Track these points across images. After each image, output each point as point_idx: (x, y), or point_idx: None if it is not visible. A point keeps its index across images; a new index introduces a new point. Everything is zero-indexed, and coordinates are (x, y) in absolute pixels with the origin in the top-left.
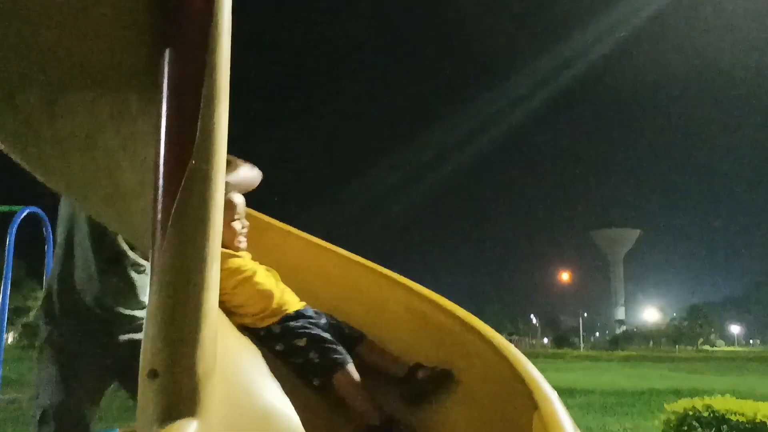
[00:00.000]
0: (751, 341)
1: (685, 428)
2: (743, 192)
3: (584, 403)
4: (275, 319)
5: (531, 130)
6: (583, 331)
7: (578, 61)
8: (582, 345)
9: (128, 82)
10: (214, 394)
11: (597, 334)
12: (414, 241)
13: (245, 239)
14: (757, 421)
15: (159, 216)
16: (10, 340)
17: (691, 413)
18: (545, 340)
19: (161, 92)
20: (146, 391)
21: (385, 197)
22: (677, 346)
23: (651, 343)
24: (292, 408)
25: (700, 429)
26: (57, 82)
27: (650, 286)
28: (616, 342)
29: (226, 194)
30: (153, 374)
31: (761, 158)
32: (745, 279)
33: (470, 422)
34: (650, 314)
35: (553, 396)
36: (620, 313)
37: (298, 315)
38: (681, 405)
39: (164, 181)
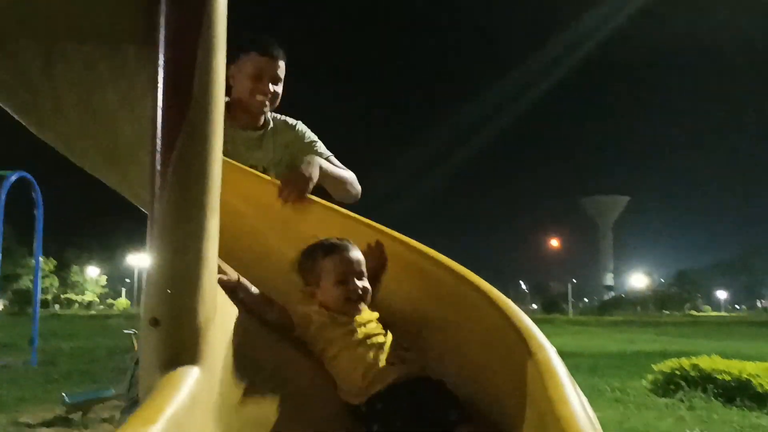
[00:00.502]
0: (737, 306)
1: (672, 387)
2: (732, 159)
3: (573, 365)
4: (362, 399)
5: (522, 100)
6: (572, 297)
7: (572, 34)
8: (571, 311)
9: (125, 35)
10: (215, 342)
11: (586, 300)
12: (402, 208)
13: (362, 301)
14: (743, 379)
15: (158, 168)
16: (0, 307)
17: (678, 373)
18: (534, 306)
19: (158, 46)
20: (148, 339)
21: (378, 167)
22: (664, 312)
23: (639, 308)
24: (293, 358)
25: (686, 387)
26: (54, 35)
27: (639, 253)
28: (604, 308)
29: (333, 250)
30: (154, 322)
31: (751, 125)
32: (732, 245)
33: (465, 371)
34: (638, 280)
35: (547, 344)
36: (609, 279)
37: (387, 394)
38: (668, 365)
39: (163, 134)
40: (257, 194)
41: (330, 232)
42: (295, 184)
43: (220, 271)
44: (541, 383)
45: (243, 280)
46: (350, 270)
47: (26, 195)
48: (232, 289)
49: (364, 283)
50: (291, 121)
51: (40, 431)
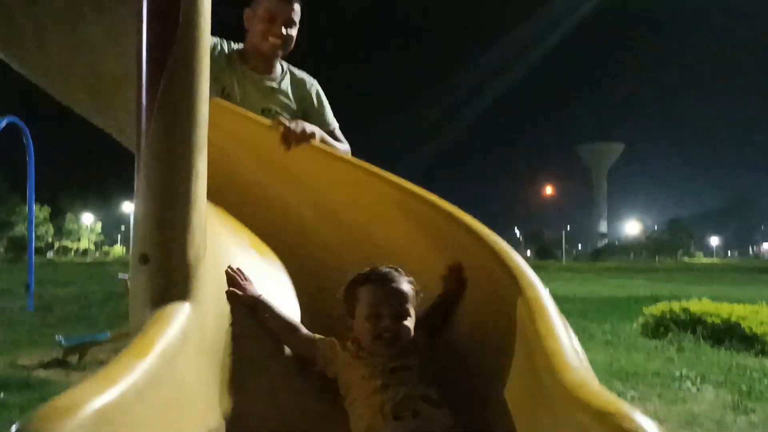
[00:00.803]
0: (729, 253)
1: (662, 329)
2: (727, 106)
3: (564, 310)
4: None
5: (519, 50)
6: (566, 244)
7: None
8: (564, 257)
9: None
10: (206, 280)
11: (579, 246)
12: (398, 154)
13: (394, 341)
14: (732, 321)
15: (143, 104)
16: None
17: (668, 316)
18: (528, 253)
19: None
20: (138, 276)
21: (380, 112)
22: (657, 258)
23: (632, 255)
24: (284, 297)
25: (676, 330)
26: None
27: (633, 200)
28: (597, 254)
29: (370, 279)
30: (144, 259)
31: (747, 73)
32: (725, 192)
33: (455, 309)
34: (632, 227)
35: (537, 282)
36: (602, 227)
37: None
38: (658, 308)
39: (148, 69)
40: (252, 137)
41: (327, 176)
42: (300, 133)
43: (237, 284)
44: (530, 319)
45: (264, 297)
46: (385, 303)
47: (17, 141)
48: (250, 306)
49: (403, 321)
50: (309, 80)
51: (37, 373)
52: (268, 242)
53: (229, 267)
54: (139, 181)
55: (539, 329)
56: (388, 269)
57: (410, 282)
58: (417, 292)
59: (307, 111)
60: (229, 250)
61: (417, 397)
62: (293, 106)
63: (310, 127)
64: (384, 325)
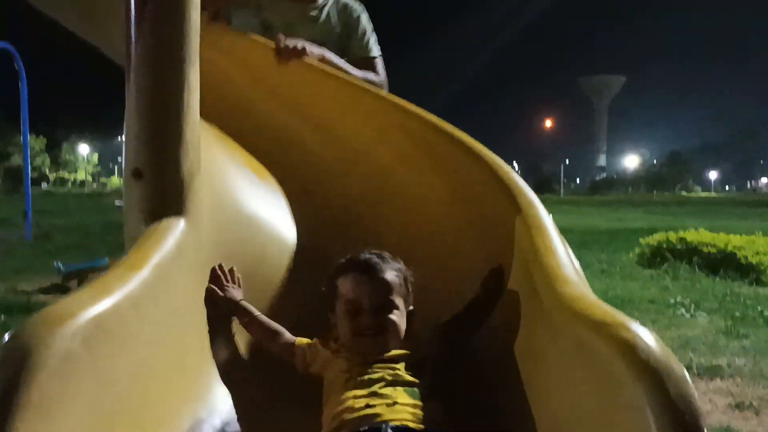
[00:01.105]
0: (726, 187)
1: (658, 259)
2: (728, 41)
3: None
4: None
5: None
6: (564, 177)
7: None
8: (562, 191)
9: None
10: (200, 196)
11: (578, 180)
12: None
13: (378, 337)
14: (727, 251)
15: (132, 15)
16: None
17: (664, 246)
18: None
19: None
20: (131, 191)
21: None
22: (655, 192)
23: (630, 189)
24: (279, 218)
25: (671, 259)
26: None
27: (633, 133)
28: (596, 188)
29: (349, 269)
30: (137, 174)
31: (748, 7)
32: (725, 126)
33: (454, 225)
34: (631, 161)
35: (535, 200)
36: (602, 160)
37: None
38: (655, 239)
39: None
40: (245, 54)
41: (322, 95)
42: (292, 48)
43: (219, 284)
44: (529, 237)
45: (244, 303)
46: (365, 297)
47: (10, 70)
48: (230, 309)
49: (387, 315)
50: (353, 4)
51: (37, 298)
52: (266, 164)
53: (218, 266)
54: (129, 94)
55: (538, 245)
56: (368, 255)
57: (397, 269)
58: (406, 279)
59: (349, 37)
60: (225, 168)
61: (398, 388)
62: (337, 32)
63: (303, 43)
64: (365, 322)
